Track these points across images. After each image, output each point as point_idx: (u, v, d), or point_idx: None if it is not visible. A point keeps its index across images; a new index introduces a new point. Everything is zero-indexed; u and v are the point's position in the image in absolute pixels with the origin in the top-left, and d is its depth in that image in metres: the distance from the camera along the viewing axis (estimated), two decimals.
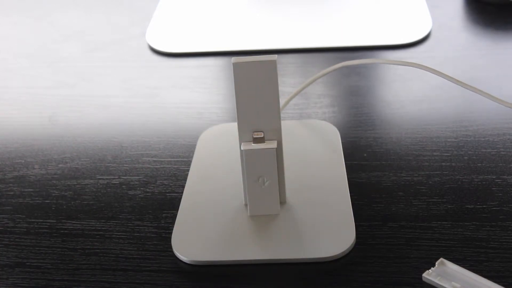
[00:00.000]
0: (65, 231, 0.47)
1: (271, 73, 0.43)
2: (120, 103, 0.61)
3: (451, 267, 0.42)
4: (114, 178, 0.52)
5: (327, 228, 0.45)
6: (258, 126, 0.44)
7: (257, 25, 0.71)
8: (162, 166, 0.53)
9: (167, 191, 0.50)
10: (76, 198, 0.50)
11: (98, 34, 0.72)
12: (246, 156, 0.44)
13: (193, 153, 0.53)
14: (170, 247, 0.45)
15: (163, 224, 0.47)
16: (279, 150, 0.45)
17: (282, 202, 0.47)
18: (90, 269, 0.44)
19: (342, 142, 0.53)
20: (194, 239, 0.45)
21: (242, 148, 0.44)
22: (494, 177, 0.49)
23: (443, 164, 0.51)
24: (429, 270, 0.42)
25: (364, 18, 0.70)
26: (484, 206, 0.46)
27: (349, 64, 0.54)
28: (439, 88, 0.59)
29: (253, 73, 0.43)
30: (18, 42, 0.72)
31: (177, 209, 0.48)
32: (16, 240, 0.47)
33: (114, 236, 0.47)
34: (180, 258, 0.44)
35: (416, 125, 0.55)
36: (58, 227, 0.48)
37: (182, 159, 0.53)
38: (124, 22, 0.74)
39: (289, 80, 0.62)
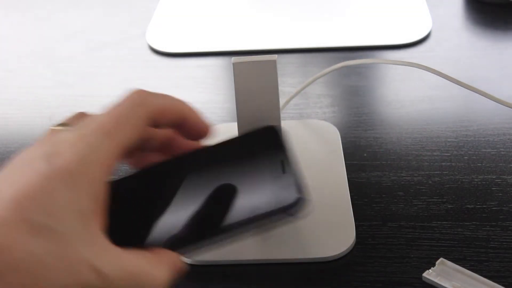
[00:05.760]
0: None
1: (271, 73, 0.43)
2: None
3: (451, 267, 0.42)
4: (114, 178, 0.52)
5: (327, 228, 0.45)
6: (258, 126, 0.44)
7: (257, 25, 0.71)
8: None
9: None
10: None
11: (98, 34, 0.72)
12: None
13: None
14: None
15: None
16: None
17: None
18: None
19: (342, 142, 0.53)
20: None
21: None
22: (494, 177, 0.49)
23: (443, 164, 0.51)
24: (429, 270, 0.42)
25: (364, 18, 0.70)
26: (484, 206, 0.46)
27: (349, 64, 0.54)
28: (439, 88, 0.59)
29: (253, 73, 0.43)
30: (19, 42, 0.72)
31: None
32: None
33: None
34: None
35: (416, 125, 0.55)
36: None
37: None
38: (124, 22, 0.74)
39: (289, 80, 0.62)
